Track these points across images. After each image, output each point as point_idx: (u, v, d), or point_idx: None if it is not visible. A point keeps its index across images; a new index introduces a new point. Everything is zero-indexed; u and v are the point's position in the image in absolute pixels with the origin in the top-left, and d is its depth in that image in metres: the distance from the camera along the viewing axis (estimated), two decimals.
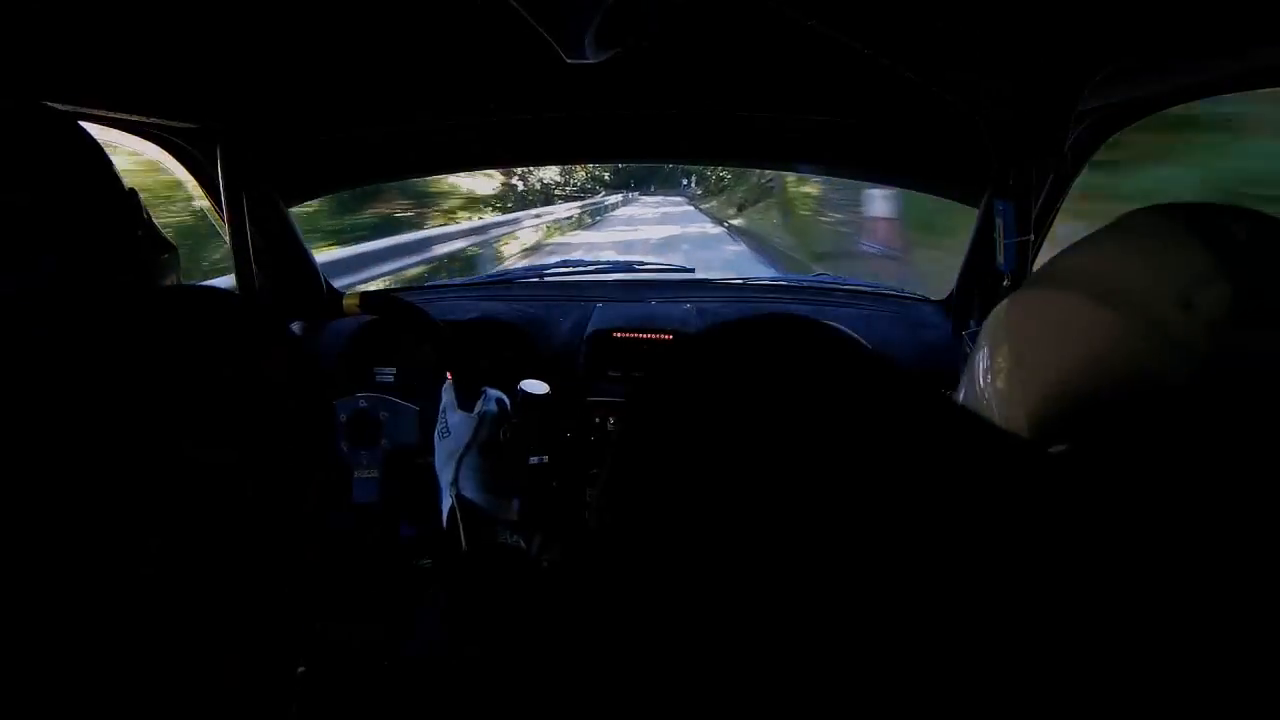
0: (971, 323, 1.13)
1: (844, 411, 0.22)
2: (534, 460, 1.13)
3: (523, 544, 0.61)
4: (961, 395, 0.39)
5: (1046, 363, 0.31)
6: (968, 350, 1.08)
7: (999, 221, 1.01)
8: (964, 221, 1.22)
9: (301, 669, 0.43)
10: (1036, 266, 1.04)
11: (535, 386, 0.86)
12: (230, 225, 1.15)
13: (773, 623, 0.20)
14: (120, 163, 0.51)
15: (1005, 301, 0.37)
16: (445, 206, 8.69)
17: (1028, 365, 0.32)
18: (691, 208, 22.50)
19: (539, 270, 1.58)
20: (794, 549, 0.20)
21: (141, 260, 0.52)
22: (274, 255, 1.27)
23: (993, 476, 0.22)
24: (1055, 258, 0.36)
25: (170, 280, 0.56)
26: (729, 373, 0.24)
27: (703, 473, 0.22)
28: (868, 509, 0.20)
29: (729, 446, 0.22)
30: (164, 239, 0.56)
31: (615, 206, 21.96)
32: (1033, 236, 1.00)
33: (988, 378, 0.35)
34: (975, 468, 0.22)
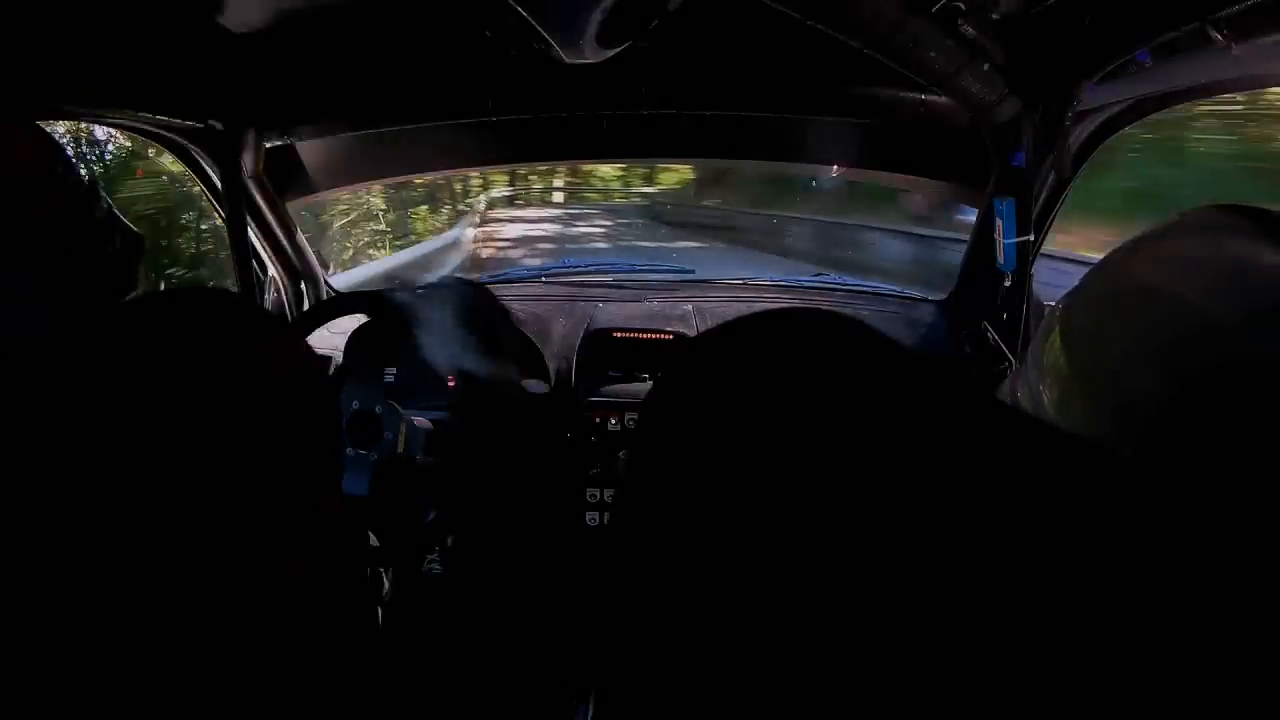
0: (971, 322, 1.13)
1: (872, 406, 0.22)
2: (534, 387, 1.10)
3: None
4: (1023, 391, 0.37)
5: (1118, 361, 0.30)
6: (967, 350, 1.08)
7: (999, 221, 1.02)
8: None
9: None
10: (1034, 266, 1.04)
11: (534, 386, 0.86)
12: (230, 225, 1.15)
13: (801, 618, 0.20)
14: None
15: (1063, 303, 0.35)
16: None
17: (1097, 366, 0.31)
18: None
19: (539, 270, 1.58)
20: (822, 544, 0.20)
21: (100, 253, 0.52)
22: (274, 255, 1.28)
23: (1019, 468, 0.21)
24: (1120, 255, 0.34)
25: (136, 269, 0.56)
26: (753, 367, 0.24)
27: (729, 468, 0.22)
28: (895, 502, 0.20)
29: (756, 441, 0.22)
30: (127, 229, 0.56)
31: None
32: (1033, 236, 1.00)
33: (1045, 388, 0.33)
34: (1008, 463, 0.21)
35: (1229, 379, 0.26)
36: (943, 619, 0.19)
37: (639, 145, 1.37)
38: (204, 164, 1.12)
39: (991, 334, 1.07)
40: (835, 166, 1.55)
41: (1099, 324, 0.32)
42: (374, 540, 0.94)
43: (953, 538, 0.19)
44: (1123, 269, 0.33)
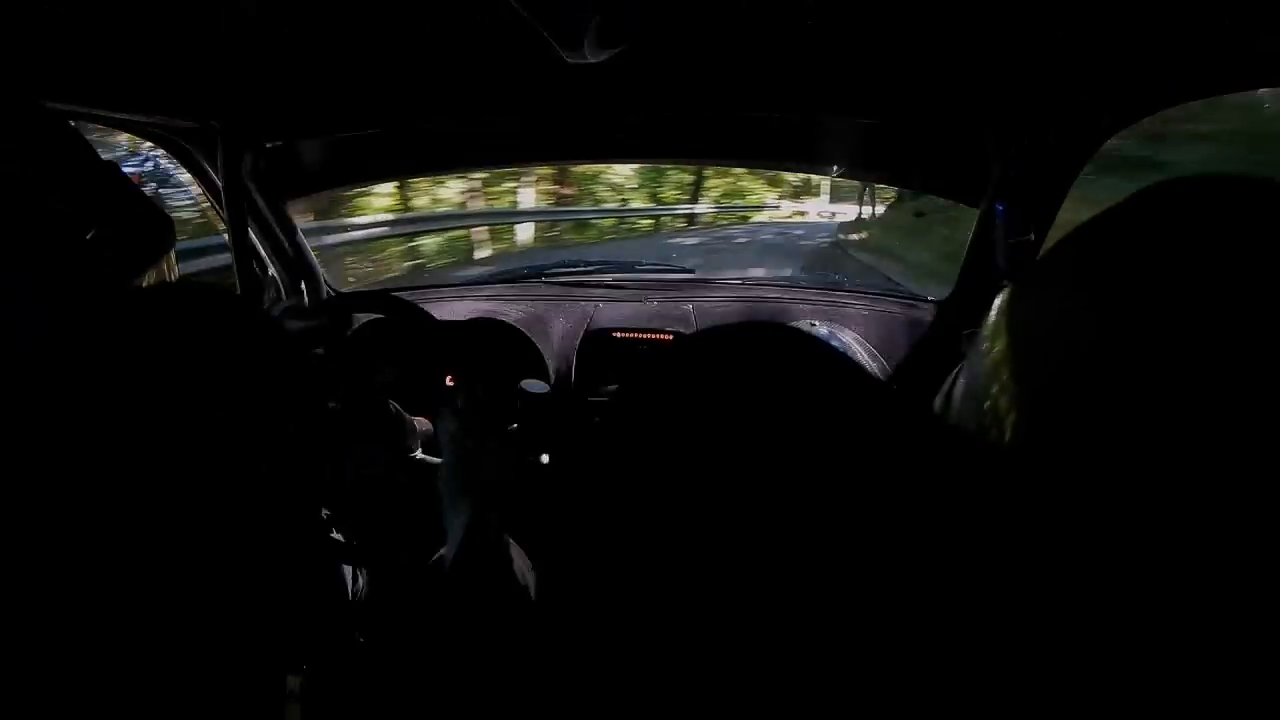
0: (970, 323, 1.13)
1: (806, 419, 0.23)
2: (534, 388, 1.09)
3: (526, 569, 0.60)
4: (959, 392, 0.37)
5: (1040, 357, 0.29)
6: (964, 351, 1.08)
7: (999, 222, 1.02)
8: None
9: (300, 672, 0.43)
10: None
11: (535, 386, 0.86)
12: (230, 225, 1.16)
13: (738, 619, 0.20)
14: None
15: (1006, 293, 0.35)
16: None
17: (1023, 362, 0.30)
18: None
19: (539, 270, 1.57)
20: (751, 551, 0.20)
21: (124, 234, 0.52)
22: (274, 255, 1.28)
23: (948, 483, 0.22)
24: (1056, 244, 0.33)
25: (166, 254, 0.56)
26: (696, 386, 0.25)
27: (669, 480, 0.22)
28: (825, 510, 0.21)
29: (695, 455, 0.22)
30: (156, 211, 0.55)
31: None
32: (1033, 236, 1.00)
33: (983, 377, 0.33)
34: (931, 476, 0.22)
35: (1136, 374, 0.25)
36: (869, 617, 0.19)
37: (640, 146, 1.37)
38: (204, 164, 1.12)
39: None
40: (835, 168, 1.55)
41: (1027, 317, 0.32)
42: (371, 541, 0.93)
43: (878, 544, 0.20)
44: (1057, 254, 0.32)
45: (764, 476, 0.21)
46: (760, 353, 0.25)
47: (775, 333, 0.26)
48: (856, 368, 0.26)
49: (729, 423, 0.23)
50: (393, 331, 1.19)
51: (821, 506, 0.21)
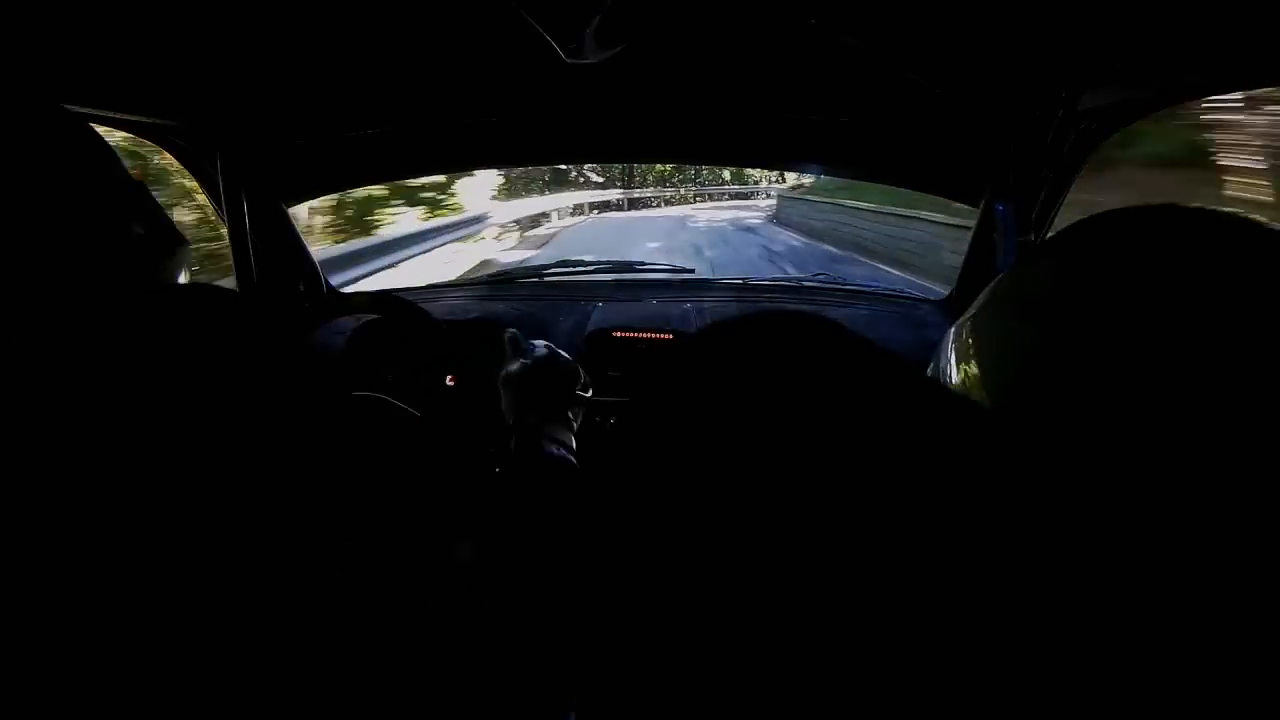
0: None
1: (843, 406, 0.23)
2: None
3: (571, 458, 0.68)
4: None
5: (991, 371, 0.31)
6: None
7: (999, 222, 1.02)
8: None
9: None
10: None
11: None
12: (230, 225, 1.16)
13: (776, 606, 0.20)
14: None
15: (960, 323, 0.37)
16: None
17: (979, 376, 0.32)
18: None
19: (539, 270, 1.57)
20: (793, 537, 0.20)
21: (144, 255, 0.52)
22: (274, 255, 1.28)
23: (981, 463, 0.23)
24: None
25: (181, 275, 0.56)
26: (730, 369, 0.25)
27: (704, 464, 0.22)
28: (864, 499, 0.21)
29: (730, 440, 0.22)
30: (174, 233, 0.56)
31: None
32: (1033, 236, 1.01)
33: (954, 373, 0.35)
34: (969, 457, 0.22)
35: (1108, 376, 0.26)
36: (907, 612, 0.19)
37: (640, 146, 1.37)
38: (204, 164, 1.12)
39: None
40: (835, 168, 1.55)
41: (1000, 323, 0.33)
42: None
43: (912, 532, 0.20)
44: (1023, 271, 0.34)
45: (805, 461, 0.21)
46: (793, 338, 0.25)
47: (804, 320, 0.26)
48: (890, 355, 0.26)
49: (766, 411, 0.23)
50: (393, 331, 1.19)
51: (865, 492, 0.21)
